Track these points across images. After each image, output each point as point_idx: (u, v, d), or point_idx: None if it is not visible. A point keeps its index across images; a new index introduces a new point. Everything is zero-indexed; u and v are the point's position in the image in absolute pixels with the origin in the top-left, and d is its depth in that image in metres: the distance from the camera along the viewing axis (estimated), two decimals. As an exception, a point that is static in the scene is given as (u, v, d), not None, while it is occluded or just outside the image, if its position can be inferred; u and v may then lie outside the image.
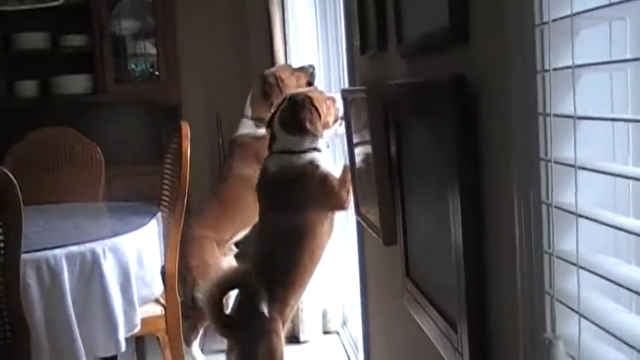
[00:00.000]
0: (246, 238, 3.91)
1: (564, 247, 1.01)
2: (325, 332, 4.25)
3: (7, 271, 2.43)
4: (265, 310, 2.69)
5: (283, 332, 2.83)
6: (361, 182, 2.41)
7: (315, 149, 2.82)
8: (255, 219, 3.78)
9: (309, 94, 2.86)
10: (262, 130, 3.72)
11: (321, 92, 2.98)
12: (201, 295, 2.68)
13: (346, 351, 3.92)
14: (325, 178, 2.78)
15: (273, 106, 3.67)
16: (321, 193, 2.77)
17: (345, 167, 2.75)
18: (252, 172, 3.70)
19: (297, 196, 2.78)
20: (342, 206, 2.82)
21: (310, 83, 3.74)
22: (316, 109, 2.78)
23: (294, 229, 2.78)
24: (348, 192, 2.75)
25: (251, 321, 2.74)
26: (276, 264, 2.81)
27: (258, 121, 3.78)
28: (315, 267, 2.86)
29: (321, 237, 2.81)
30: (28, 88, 5.15)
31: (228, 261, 3.85)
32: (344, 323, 4.25)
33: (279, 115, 2.86)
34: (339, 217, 3.59)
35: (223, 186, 3.83)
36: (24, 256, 2.50)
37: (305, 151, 2.80)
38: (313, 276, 2.90)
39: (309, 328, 4.15)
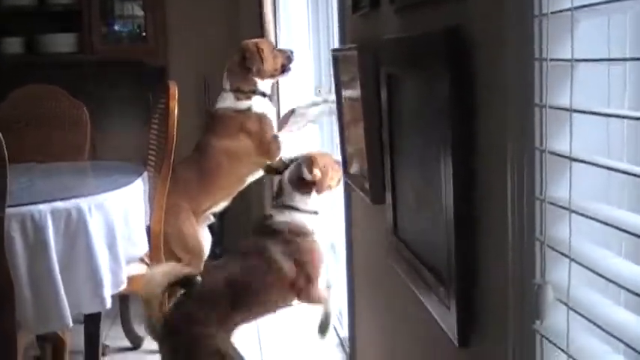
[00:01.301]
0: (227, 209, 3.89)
1: (557, 194, 1.01)
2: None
3: (-8, 225, 2.42)
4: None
5: (228, 341, 2.79)
6: (350, 140, 2.40)
7: (316, 212, 2.96)
8: (235, 191, 3.77)
9: (317, 156, 2.99)
10: (244, 103, 3.70)
11: (328, 154, 3.12)
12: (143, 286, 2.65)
13: (330, 316, 3.94)
14: (315, 258, 2.92)
15: (249, 78, 3.66)
16: (304, 270, 2.88)
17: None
18: (234, 143, 3.67)
19: (289, 248, 2.87)
20: (300, 290, 2.91)
21: (285, 66, 3.71)
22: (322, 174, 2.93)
23: (273, 272, 2.83)
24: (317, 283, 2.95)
25: (189, 327, 2.69)
26: (238, 288, 2.80)
27: (238, 92, 3.72)
28: (265, 314, 2.93)
29: (286, 296, 2.90)
30: (13, 45, 5.08)
31: (203, 232, 3.82)
32: (327, 289, 4.25)
33: (289, 173, 2.99)
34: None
35: (203, 157, 3.72)
36: (8, 210, 2.48)
37: (308, 212, 2.93)
38: (259, 318, 2.95)
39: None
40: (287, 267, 2.84)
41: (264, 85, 3.73)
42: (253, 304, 2.85)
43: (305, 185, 2.93)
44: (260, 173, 3.73)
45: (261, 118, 3.68)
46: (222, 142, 3.70)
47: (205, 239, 3.79)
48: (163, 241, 3.55)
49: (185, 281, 2.67)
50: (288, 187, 2.96)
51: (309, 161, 2.93)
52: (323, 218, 3.02)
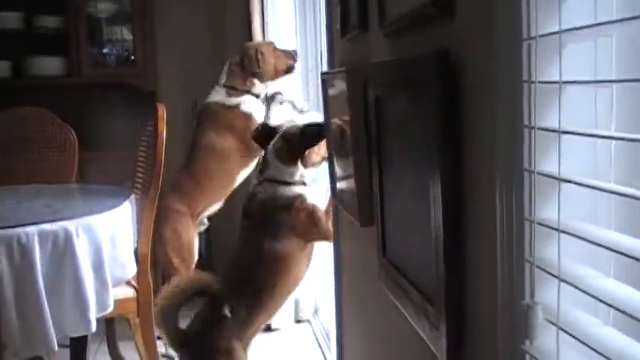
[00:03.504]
0: (218, 213, 3.92)
1: (546, 215, 1.02)
2: (297, 321, 4.26)
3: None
4: (228, 313, 2.66)
5: (244, 353, 2.80)
6: (338, 163, 2.41)
7: (303, 183, 2.90)
8: (227, 192, 3.81)
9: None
10: (234, 99, 3.75)
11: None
12: (157, 302, 2.66)
13: (317, 339, 3.94)
14: (312, 212, 2.85)
15: (247, 79, 3.71)
16: (307, 226, 2.83)
17: (330, 199, 2.80)
18: (222, 142, 3.74)
19: (282, 225, 2.82)
20: (326, 239, 2.89)
21: (289, 68, 3.75)
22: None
23: (273, 256, 2.80)
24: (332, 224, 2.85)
25: (206, 339, 2.70)
26: (248, 285, 2.80)
27: (230, 89, 3.79)
28: (287, 296, 2.90)
29: (298, 267, 2.85)
30: (1, 68, 5.07)
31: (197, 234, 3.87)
32: (316, 312, 4.25)
33: (275, 145, 2.92)
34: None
35: (194, 158, 3.84)
36: (-5, 232, 2.48)
37: (295, 183, 2.88)
38: (283, 305, 2.93)
39: (280, 317, 4.15)
40: (290, 247, 2.79)
41: (260, 87, 3.77)
42: (270, 300, 2.81)
43: (291, 157, 2.85)
44: (249, 171, 3.77)
45: (247, 117, 3.73)
46: (210, 140, 3.77)
47: (196, 245, 3.84)
48: (159, 244, 3.59)
49: (204, 293, 2.67)
50: (274, 159, 2.90)
51: (294, 130, 2.89)
52: (312, 189, 2.93)
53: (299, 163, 2.86)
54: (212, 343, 2.68)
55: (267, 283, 2.79)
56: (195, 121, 3.96)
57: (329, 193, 2.75)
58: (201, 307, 2.79)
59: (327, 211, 2.85)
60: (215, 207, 3.89)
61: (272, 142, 2.93)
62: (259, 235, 2.83)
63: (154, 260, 3.52)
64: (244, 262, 2.85)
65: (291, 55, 3.76)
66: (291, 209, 2.82)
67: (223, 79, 3.84)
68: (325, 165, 2.92)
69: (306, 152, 2.85)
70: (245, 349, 2.80)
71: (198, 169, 3.80)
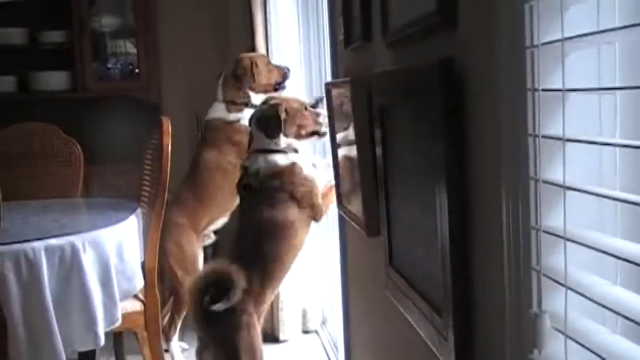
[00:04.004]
0: (225, 226, 3.92)
1: (551, 223, 1.01)
2: (305, 332, 4.24)
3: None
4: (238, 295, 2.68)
5: (259, 327, 2.83)
6: (344, 174, 2.41)
7: (295, 150, 2.90)
8: (231, 207, 3.82)
9: (287, 100, 2.97)
10: (234, 114, 3.76)
11: (301, 102, 3.04)
12: (187, 283, 2.72)
13: (325, 350, 3.92)
14: (308, 181, 2.86)
15: (242, 91, 3.72)
16: (301, 196, 2.84)
17: (330, 183, 2.81)
18: (225, 158, 3.74)
19: (276, 193, 2.84)
20: (315, 217, 2.90)
21: (279, 83, 3.75)
22: (287, 115, 2.88)
23: (273, 225, 2.82)
24: (327, 205, 2.88)
25: (226, 315, 2.72)
26: (253, 258, 2.82)
27: (229, 104, 3.79)
28: (292, 263, 2.91)
29: (298, 233, 2.87)
30: (6, 83, 5.09)
31: (200, 251, 3.87)
32: (323, 323, 4.24)
33: (255, 115, 2.98)
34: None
35: (197, 174, 3.85)
36: (1, 248, 2.48)
37: (284, 151, 2.88)
38: (289, 272, 2.95)
39: (288, 328, 4.14)
40: (287, 213, 2.81)
41: (257, 98, 3.77)
42: (277, 269, 2.84)
43: (272, 126, 2.87)
44: None
45: (247, 131, 3.73)
46: (212, 156, 3.78)
47: (201, 259, 3.84)
48: (163, 257, 3.60)
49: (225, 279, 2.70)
50: (256, 131, 2.93)
51: (273, 101, 2.92)
52: (305, 157, 2.93)
53: (281, 134, 2.86)
54: (233, 318, 2.72)
55: (271, 253, 2.83)
56: (199, 139, 3.97)
57: (329, 177, 2.78)
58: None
59: (325, 193, 2.87)
60: (221, 221, 3.89)
61: (254, 114, 2.99)
62: (256, 205, 2.86)
63: (161, 273, 3.52)
64: (246, 236, 2.89)
65: (284, 72, 3.77)
66: (283, 175, 2.84)
67: (221, 94, 3.84)
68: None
69: (289, 125, 2.88)
70: (259, 322, 2.85)
71: (201, 185, 3.80)
